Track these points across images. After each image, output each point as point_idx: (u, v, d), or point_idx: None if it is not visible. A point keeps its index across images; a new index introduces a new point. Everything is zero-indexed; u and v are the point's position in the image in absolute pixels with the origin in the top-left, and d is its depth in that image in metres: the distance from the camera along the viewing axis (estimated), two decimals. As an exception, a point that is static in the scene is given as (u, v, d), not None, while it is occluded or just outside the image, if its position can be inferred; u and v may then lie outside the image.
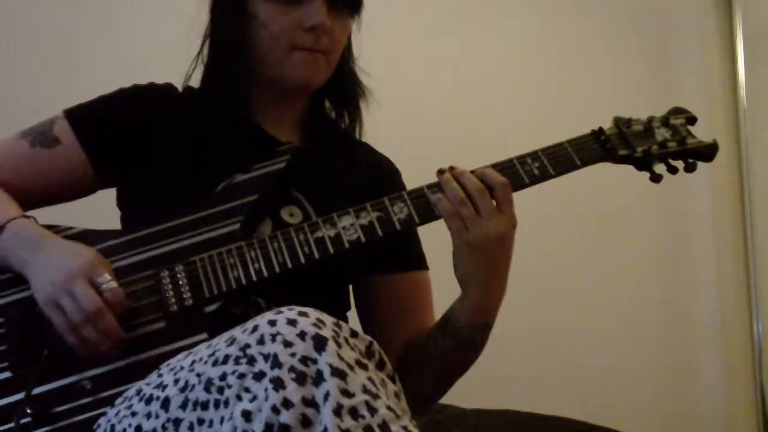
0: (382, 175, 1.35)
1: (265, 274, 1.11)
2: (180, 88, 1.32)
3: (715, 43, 2.82)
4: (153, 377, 0.94)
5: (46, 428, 1.04)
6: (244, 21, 1.22)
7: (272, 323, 0.84)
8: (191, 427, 0.84)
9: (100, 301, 1.04)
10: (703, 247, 2.77)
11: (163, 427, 0.86)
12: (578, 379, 2.52)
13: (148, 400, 0.90)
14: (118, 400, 0.98)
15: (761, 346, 2.73)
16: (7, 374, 1.09)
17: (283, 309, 0.86)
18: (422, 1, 2.54)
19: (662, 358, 2.72)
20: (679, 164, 1.26)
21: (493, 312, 1.18)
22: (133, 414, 0.91)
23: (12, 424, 1.03)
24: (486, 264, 1.14)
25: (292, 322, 0.83)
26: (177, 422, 0.85)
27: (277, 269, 1.11)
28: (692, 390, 2.74)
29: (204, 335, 1.07)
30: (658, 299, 2.75)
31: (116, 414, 0.94)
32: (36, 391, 1.05)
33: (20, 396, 1.05)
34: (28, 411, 1.04)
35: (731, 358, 2.73)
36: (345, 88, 1.33)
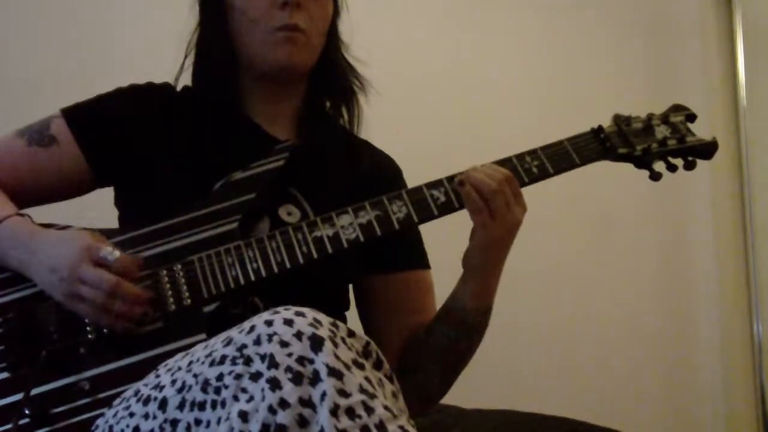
0: (382, 173, 1.35)
1: (264, 273, 1.11)
2: (170, 88, 1.32)
3: (715, 43, 2.82)
4: (151, 378, 0.94)
5: (45, 429, 1.04)
6: (226, 14, 1.24)
7: (269, 323, 0.83)
8: (188, 427, 0.84)
9: (111, 275, 1.05)
10: (703, 247, 2.77)
11: (161, 427, 0.86)
12: (578, 379, 2.52)
13: (146, 401, 0.90)
14: (116, 401, 0.97)
15: (761, 346, 2.73)
16: (5, 375, 1.08)
17: (279, 309, 0.86)
18: (423, 1, 2.54)
19: (662, 358, 2.72)
20: (679, 162, 1.26)
21: (493, 294, 1.21)
22: (131, 415, 0.91)
23: (10, 425, 1.02)
24: (497, 252, 1.16)
25: (288, 322, 0.83)
26: (174, 423, 0.85)
27: (276, 269, 1.11)
28: (692, 390, 2.73)
29: (202, 335, 1.07)
30: (658, 299, 2.75)
31: (114, 415, 0.94)
32: (34, 391, 1.05)
33: (19, 397, 1.05)
34: (27, 412, 1.04)
35: (731, 358, 2.73)
36: (336, 79, 1.32)
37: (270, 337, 0.82)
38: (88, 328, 1.08)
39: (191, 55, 1.30)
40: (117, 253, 1.07)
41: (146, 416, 0.88)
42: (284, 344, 0.81)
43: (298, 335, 0.81)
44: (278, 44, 1.20)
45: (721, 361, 2.72)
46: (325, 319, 0.85)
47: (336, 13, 1.31)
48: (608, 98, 2.58)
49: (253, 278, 1.11)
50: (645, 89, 2.71)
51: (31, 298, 1.12)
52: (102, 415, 0.98)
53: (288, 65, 1.22)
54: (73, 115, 1.25)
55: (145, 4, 2.13)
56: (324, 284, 1.21)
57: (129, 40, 2.09)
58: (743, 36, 2.79)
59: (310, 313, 0.85)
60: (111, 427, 0.93)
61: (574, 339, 2.56)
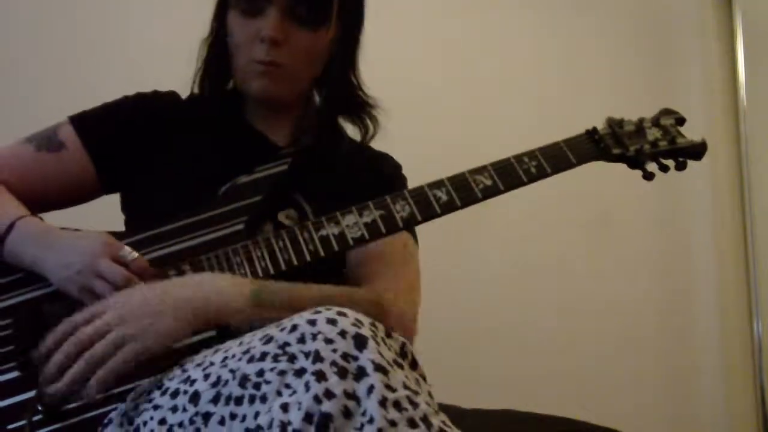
0: (382, 170, 1.37)
1: (272, 271, 1.12)
2: (187, 92, 1.34)
3: (715, 43, 2.83)
4: (176, 372, 0.94)
5: (57, 425, 1.04)
6: (224, 32, 1.26)
7: (312, 323, 0.85)
8: (222, 421, 0.84)
9: (128, 272, 1.06)
10: (703, 247, 2.77)
11: (191, 420, 0.86)
12: (578, 379, 2.52)
13: (174, 394, 0.90)
14: (130, 396, 0.98)
15: (761, 346, 2.73)
16: (16, 373, 1.09)
17: (321, 309, 0.87)
18: (421, 1, 2.54)
19: (662, 358, 2.73)
20: (670, 163, 1.30)
21: None
22: (156, 407, 0.91)
23: (24, 421, 1.03)
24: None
25: (332, 321, 0.84)
26: (207, 416, 0.85)
27: (283, 267, 1.13)
28: (692, 390, 2.74)
29: (212, 332, 1.07)
30: (658, 299, 2.75)
31: (134, 408, 0.95)
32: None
33: (29, 395, 1.05)
34: (40, 408, 1.04)
35: (731, 358, 2.73)
36: (338, 97, 1.33)
37: (314, 336, 0.83)
38: None
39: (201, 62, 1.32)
40: (135, 253, 1.09)
41: (174, 409, 0.88)
42: (329, 341, 0.82)
43: (342, 334, 0.83)
44: (254, 76, 1.23)
45: (721, 361, 2.72)
46: (365, 319, 0.87)
47: (347, 35, 1.31)
48: (608, 98, 2.58)
49: (261, 276, 1.12)
50: (645, 89, 2.71)
51: (41, 299, 1.13)
52: (114, 410, 0.99)
53: (263, 96, 1.25)
54: (81, 121, 1.28)
55: (151, 11, 2.14)
56: (329, 281, 1.22)
57: (135, 47, 2.10)
58: (743, 36, 2.80)
59: (352, 313, 0.87)
60: (131, 419, 0.93)
61: (573, 339, 2.56)
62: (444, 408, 1.60)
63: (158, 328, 0.96)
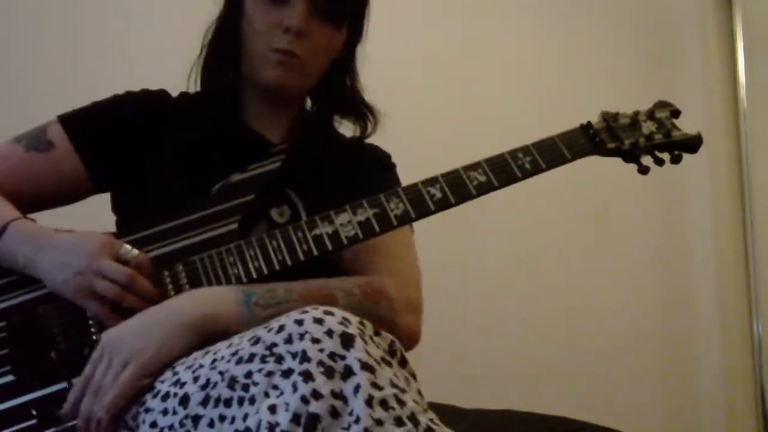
0: (373, 162, 1.37)
1: (265, 271, 1.12)
2: (183, 88, 1.33)
3: (715, 43, 2.83)
4: (167, 375, 0.94)
5: (51, 430, 1.04)
6: (239, 17, 1.25)
7: (299, 322, 0.85)
8: (211, 423, 0.85)
9: (130, 270, 1.07)
10: (703, 246, 2.77)
11: (181, 423, 0.87)
12: (578, 379, 2.52)
13: (165, 397, 0.90)
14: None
15: (761, 346, 2.73)
16: (9, 378, 1.09)
17: (308, 308, 0.88)
18: (421, 1, 2.54)
19: (662, 358, 2.73)
20: (666, 156, 1.29)
21: None
22: (147, 410, 0.91)
23: (18, 427, 1.03)
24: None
25: (318, 321, 0.85)
26: (196, 419, 0.86)
27: (277, 266, 1.12)
28: (692, 390, 2.74)
29: None
30: (658, 299, 2.75)
31: (127, 411, 0.95)
32: (41, 393, 1.06)
33: (24, 399, 1.05)
34: (34, 413, 1.04)
35: (731, 358, 2.73)
36: (337, 100, 1.34)
37: (301, 336, 0.83)
38: (92, 329, 1.09)
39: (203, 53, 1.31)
40: (135, 251, 1.10)
41: (165, 412, 0.89)
42: (316, 341, 0.83)
43: (329, 333, 0.83)
44: (271, 64, 1.22)
45: (721, 360, 2.72)
46: (353, 318, 0.87)
47: (351, 41, 1.31)
48: (608, 98, 2.57)
49: (254, 276, 1.12)
50: (645, 89, 2.71)
51: (36, 301, 1.12)
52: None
53: (277, 85, 1.24)
54: (70, 120, 1.27)
55: (151, 11, 2.14)
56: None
57: (135, 47, 2.10)
58: (743, 36, 2.80)
59: (339, 312, 0.87)
60: (125, 423, 0.93)
61: (573, 339, 2.56)
62: (444, 408, 1.60)
63: (155, 342, 0.98)
